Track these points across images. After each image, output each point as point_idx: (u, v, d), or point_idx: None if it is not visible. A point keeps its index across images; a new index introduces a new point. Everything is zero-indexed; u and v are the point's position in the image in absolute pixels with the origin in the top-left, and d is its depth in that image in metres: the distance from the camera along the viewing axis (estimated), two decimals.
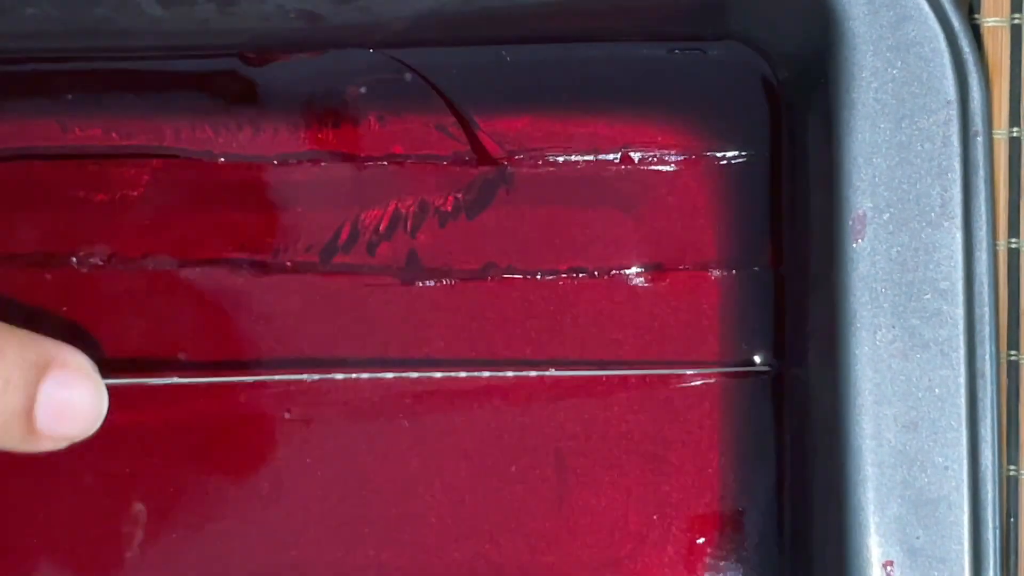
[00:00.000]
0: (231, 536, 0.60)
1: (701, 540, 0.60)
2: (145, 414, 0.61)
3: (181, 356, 0.61)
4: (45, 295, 0.61)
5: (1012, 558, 0.57)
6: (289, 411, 0.61)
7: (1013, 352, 0.56)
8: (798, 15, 0.54)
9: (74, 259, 0.61)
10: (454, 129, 0.61)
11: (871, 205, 0.52)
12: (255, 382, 0.61)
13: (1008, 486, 0.57)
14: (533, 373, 0.60)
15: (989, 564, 0.51)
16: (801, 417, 0.57)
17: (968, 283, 0.52)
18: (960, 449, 0.51)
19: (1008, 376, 0.57)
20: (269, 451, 0.61)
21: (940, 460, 0.51)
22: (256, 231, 0.61)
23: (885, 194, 0.52)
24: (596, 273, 0.61)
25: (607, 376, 0.60)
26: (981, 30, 0.57)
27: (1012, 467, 0.57)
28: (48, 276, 0.61)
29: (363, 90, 0.61)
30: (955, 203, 0.52)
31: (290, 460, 0.61)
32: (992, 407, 0.52)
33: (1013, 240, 0.57)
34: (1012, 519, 0.57)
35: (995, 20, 0.57)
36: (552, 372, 0.60)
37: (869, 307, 0.52)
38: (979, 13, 0.57)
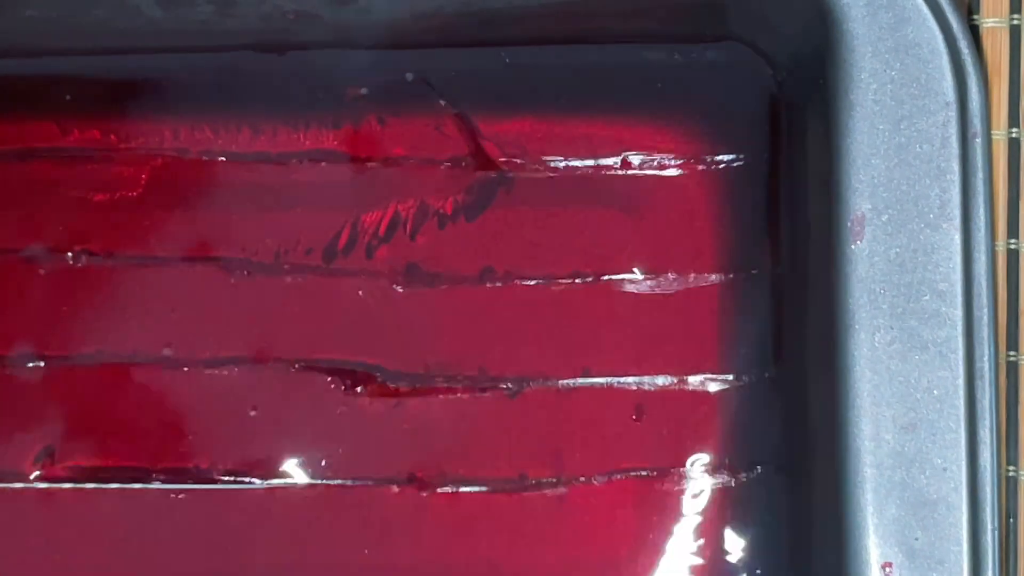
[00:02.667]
0: (231, 538, 0.60)
1: (700, 541, 0.60)
2: (146, 415, 0.61)
3: (166, 352, 0.61)
4: (43, 293, 0.61)
5: (1011, 559, 0.57)
6: (279, 412, 0.61)
7: (1012, 352, 0.56)
8: (797, 17, 0.54)
9: (69, 255, 0.61)
10: (454, 131, 0.61)
11: (870, 207, 0.52)
12: (247, 380, 0.61)
13: (1007, 486, 0.56)
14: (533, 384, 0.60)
15: (987, 565, 0.51)
16: (800, 418, 0.57)
17: (967, 284, 0.52)
18: (959, 450, 0.51)
19: (1007, 377, 0.57)
20: (268, 452, 0.61)
21: (939, 461, 0.51)
22: (256, 232, 0.61)
23: (884, 196, 0.52)
24: (595, 277, 0.61)
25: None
26: (980, 31, 0.57)
27: (1011, 468, 0.57)
28: (45, 273, 0.61)
29: (363, 91, 0.61)
30: (954, 205, 0.52)
31: (289, 462, 0.61)
32: (991, 408, 0.52)
33: (1012, 241, 0.57)
34: (1011, 519, 0.57)
35: (994, 21, 0.57)
36: (548, 382, 0.60)
37: (868, 309, 0.52)
38: (978, 14, 0.57)
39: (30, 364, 0.61)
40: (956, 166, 0.52)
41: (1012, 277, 0.57)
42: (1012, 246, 0.57)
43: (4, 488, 0.61)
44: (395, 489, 0.60)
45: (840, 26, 0.52)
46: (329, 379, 0.60)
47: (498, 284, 0.61)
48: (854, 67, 0.52)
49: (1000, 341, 0.56)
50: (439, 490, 0.60)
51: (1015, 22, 0.57)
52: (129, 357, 0.61)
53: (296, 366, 0.61)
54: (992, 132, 0.54)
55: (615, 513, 0.60)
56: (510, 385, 0.60)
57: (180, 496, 0.60)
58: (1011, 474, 0.56)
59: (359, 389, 0.60)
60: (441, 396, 0.60)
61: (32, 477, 0.61)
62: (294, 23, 0.58)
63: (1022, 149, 0.57)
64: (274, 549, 0.60)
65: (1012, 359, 0.56)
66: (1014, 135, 0.57)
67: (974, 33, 0.57)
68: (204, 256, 0.61)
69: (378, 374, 0.60)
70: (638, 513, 0.60)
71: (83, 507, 0.61)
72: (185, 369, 0.61)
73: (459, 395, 0.60)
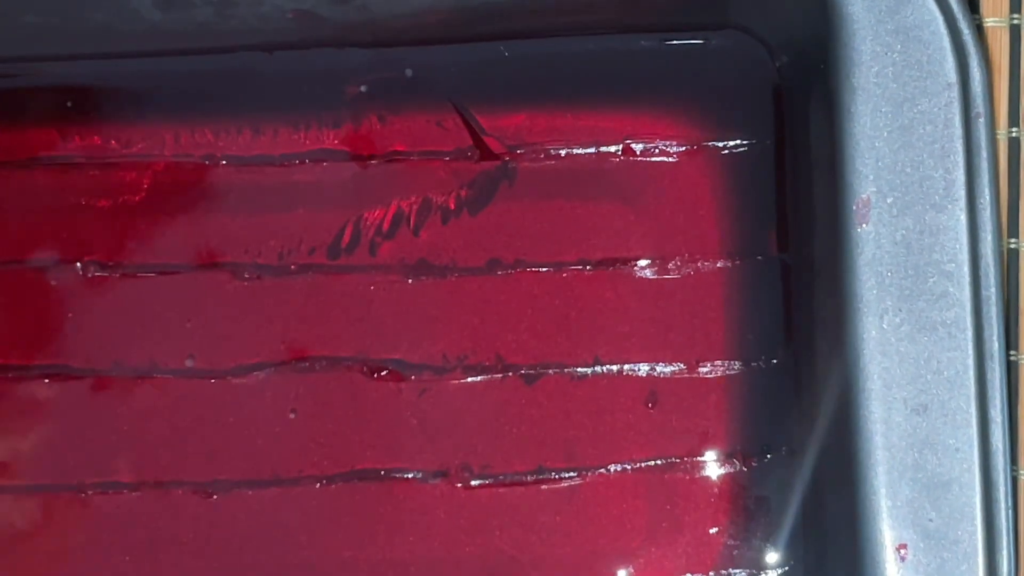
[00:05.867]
0: (244, 538, 0.60)
1: (714, 530, 0.60)
2: (153, 416, 0.61)
3: (188, 363, 0.61)
4: (51, 301, 0.61)
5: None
6: (295, 411, 0.61)
7: (1012, 352, 0.56)
8: (796, 3, 0.54)
9: (79, 265, 0.61)
10: (454, 126, 0.61)
11: (875, 189, 0.52)
12: (261, 383, 0.61)
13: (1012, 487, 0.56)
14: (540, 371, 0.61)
15: (1002, 544, 0.52)
16: (810, 403, 0.57)
17: (974, 265, 0.52)
18: (970, 431, 0.51)
19: (1008, 376, 0.56)
20: (278, 452, 0.61)
21: (951, 442, 0.51)
22: (260, 234, 0.61)
23: (888, 178, 0.52)
24: (601, 266, 0.61)
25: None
26: (981, 31, 0.57)
27: (1012, 467, 0.56)
28: (54, 282, 0.61)
29: (363, 89, 0.61)
30: (958, 185, 0.52)
31: (299, 460, 0.61)
32: (1001, 388, 0.52)
33: (1012, 240, 0.56)
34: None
35: (994, 20, 0.57)
36: (561, 370, 0.60)
37: (875, 291, 0.52)
38: (978, 13, 0.57)
39: (46, 379, 0.61)
40: (960, 147, 0.52)
41: (1012, 277, 0.56)
42: (1012, 246, 0.56)
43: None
44: (425, 483, 0.60)
45: (840, 10, 0.52)
46: (355, 375, 0.61)
47: (509, 272, 0.61)
48: (855, 51, 0.52)
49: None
50: (472, 483, 0.60)
51: (1015, 22, 0.57)
52: (149, 369, 0.61)
53: (321, 364, 0.61)
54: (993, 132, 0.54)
55: (628, 503, 0.60)
56: (526, 372, 0.60)
57: (214, 498, 0.61)
58: (1012, 474, 0.56)
59: (385, 383, 0.60)
60: (463, 386, 0.60)
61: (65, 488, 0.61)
62: (293, 22, 0.58)
63: (1022, 149, 0.57)
64: (288, 548, 0.60)
65: (1012, 358, 0.56)
66: (1014, 134, 0.57)
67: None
68: (212, 262, 0.61)
69: (401, 367, 0.60)
70: (650, 502, 0.60)
71: (121, 516, 0.61)
72: (212, 380, 0.61)
73: (479, 385, 0.60)
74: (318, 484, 0.60)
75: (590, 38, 0.60)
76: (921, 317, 0.52)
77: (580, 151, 0.61)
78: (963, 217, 0.52)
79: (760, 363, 0.60)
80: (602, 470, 0.60)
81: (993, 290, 0.52)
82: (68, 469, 0.61)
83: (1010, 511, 0.52)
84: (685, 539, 0.60)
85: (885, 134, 0.52)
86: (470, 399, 0.61)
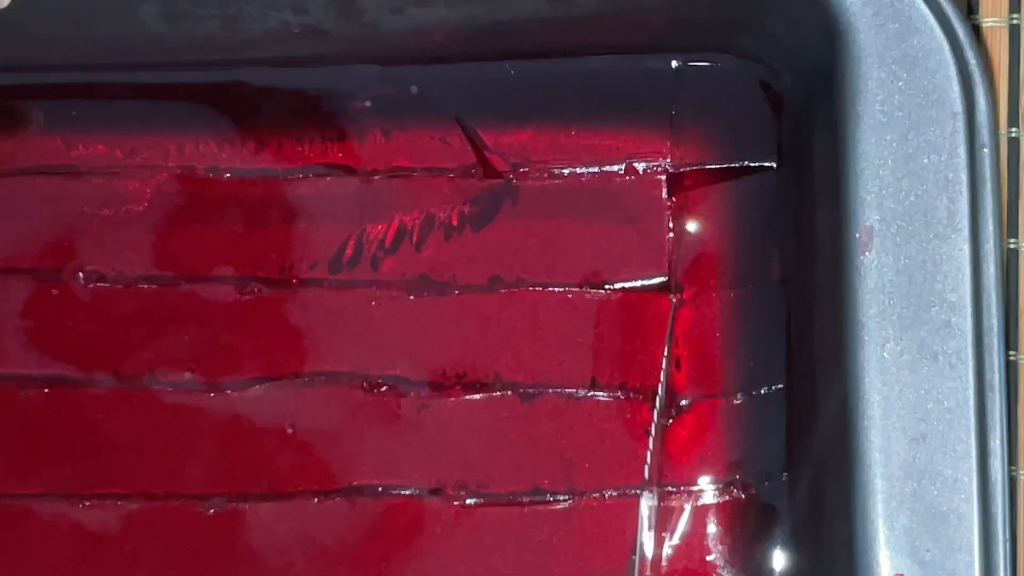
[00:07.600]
0: (239, 552, 0.60)
1: (711, 556, 0.60)
2: (151, 429, 0.61)
3: (187, 375, 0.61)
4: (52, 310, 0.61)
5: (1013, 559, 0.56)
6: (293, 426, 0.61)
7: (1012, 352, 0.56)
8: (803, 29, 0.54)
9: (80, 274, 0.61)
10: (458, 143, 0.61)
11: (878, 217, 0.52)
12: (259, 397, 0.61)
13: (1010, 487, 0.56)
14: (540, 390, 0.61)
15: None
16: (810, 431, 0.57)
17: (976, 295, 0.52)
18: (969, 461, 0.51)
19: (1008, 377, 0.56)
20: (275, 466, 0.61)
21: (949, 472, 0.51)
22: (262, 247, 0.61)
23: (892, 206, 0.52)
24: (602, 286, 0.61)
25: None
26: (980, 30, 0.57)
27: (1012, 468, 0.56)
28: (55, 291, 0.61)
29: (368, 104, 0.61)
30: (962, 215, 0.52)
31: (296, 475, 0.60)
32: (1001, 419, 0.52)
33: (1012, 241, 0.56)
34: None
35: (993, 20, 0.57)
36: (554, 391, 0.60)
37: (877, 320, 0.52)
38: (977, 13, 0.57)
39: (45, 389, 0.61)
40: (964, 176, 0.52)
41: (1012, 277, 0.56)
42: (1012, 246, 0.56)
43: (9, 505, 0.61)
44: (422, 500, 0.60)
45: (847, 37, 0.52)
46: (354, 391, 0.60)
47: (510, 290, 0.61)
48: (861, 78, 0.52)
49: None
50: (468, 501, 0.60)
51: (1015, 21, 0.57)
52: (148, 381, 0.61)
53: (320, 379, 0.61)
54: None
55: (624, 522, 0.60)
56: (525, 391, 0.60)
57: (211, 512, 0.61)
58: (1012, 474, 0.56)
59: (384, 399, 0.60)
60: (461, 404, 0.60)
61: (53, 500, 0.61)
62: (299, 38, 0.58)
63: (1022, 149, 0.57)
64: (283, 562, 0.60)
65: (1012, 358, 0.56)
66: (1014, 135, 0.57)
67: (974, 33, 0.56)
68: (212, 274, 0.61)
69: (400, 384, 0.60)
70: (647, 526, 0.60)
71: (104, 529, 0.61)
72: (211, 394, 0.61)
73: (477, 403, 0.60)
74: (315, 499, 0.60)
75: (595, 58, 0.60)
76: (922, 347, 0.52)
77: (583, 170, 0.61)
78: (966, 247, 0.52)
79: (761, 390, 0.60)
80: (598, 492, 0.60)
81: (995, 321, 0.52)
82: (65, 480, 0.61)
83: (1007, 544, 0.51)
84: (682, 564, 0.60)
85: (889, 162, 0.52)
86: (468, 416, 0.61)
